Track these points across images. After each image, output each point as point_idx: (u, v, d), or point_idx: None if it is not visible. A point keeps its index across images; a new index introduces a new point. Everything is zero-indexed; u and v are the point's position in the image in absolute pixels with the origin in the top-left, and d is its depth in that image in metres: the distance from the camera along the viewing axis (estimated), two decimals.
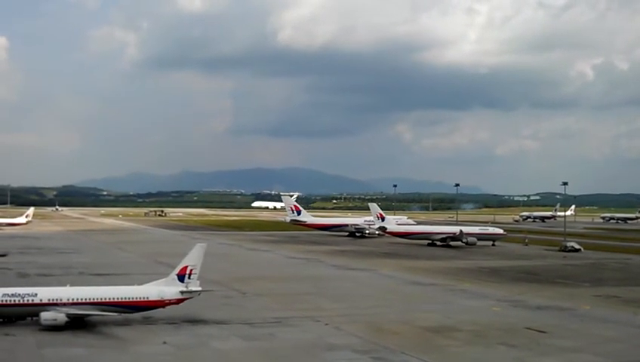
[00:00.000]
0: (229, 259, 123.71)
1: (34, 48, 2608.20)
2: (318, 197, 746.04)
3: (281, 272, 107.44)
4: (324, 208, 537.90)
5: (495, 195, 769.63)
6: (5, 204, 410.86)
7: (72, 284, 66.70)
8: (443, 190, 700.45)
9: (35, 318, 56.58)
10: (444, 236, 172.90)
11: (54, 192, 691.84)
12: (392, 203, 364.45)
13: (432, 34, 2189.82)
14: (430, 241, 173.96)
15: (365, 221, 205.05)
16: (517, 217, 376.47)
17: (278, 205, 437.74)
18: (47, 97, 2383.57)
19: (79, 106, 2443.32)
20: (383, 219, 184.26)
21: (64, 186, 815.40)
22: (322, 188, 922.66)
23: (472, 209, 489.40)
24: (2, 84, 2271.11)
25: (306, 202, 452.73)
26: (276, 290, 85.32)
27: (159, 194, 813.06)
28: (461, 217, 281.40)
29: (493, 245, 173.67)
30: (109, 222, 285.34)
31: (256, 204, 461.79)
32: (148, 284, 64.21)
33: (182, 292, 62.56)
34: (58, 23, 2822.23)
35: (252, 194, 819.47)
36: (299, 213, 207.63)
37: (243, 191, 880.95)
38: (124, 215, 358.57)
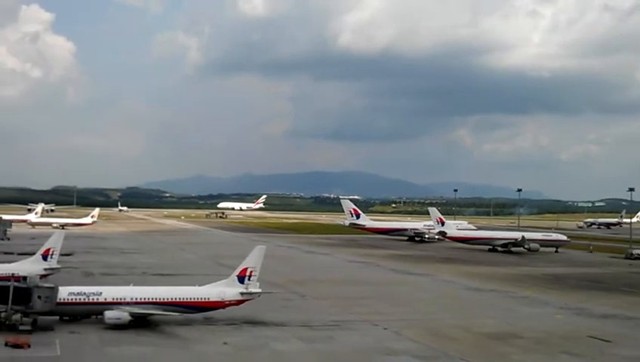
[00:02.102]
0: (289, 262, 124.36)
1: (100, 53, 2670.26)
2: (377, 201, 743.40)
3: (339, 275, 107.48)
4: (383, 212, 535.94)
5: (558, 201, 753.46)
6: (72, 204, 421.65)
7: (135, 284, 68.01)
8: (504, 195, 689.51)
9: (99, 317, 57.83)
10: (505, 242, 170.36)
11: (119, 193, 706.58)
12: (452, 207, 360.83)
13: (493, 37, 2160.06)
14: (491, 247, 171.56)
15: (425, 225, 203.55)
16: (581, 223, 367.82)
17: (244, 205, 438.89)
18: (112, 101, 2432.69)
19: (143, 110, 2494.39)
20: (442, 224, 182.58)
21: (128, 188, 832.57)
22: (381, 192, 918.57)
23: (532, 214, 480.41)
24: (70, 87, 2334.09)
25: (364, 206, 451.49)
26: (335, 293, 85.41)
27: (220, 196, 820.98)
28: (523, 223, 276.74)
29: (556, 252, 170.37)
30: (172, 223, 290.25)
31: (222, 204, 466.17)
32: (209, 285, 65.04)
33: (242, 294, 63.20)
34: (123, 28, 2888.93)
35: (311, 198, 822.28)
36: (358, 216, 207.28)
37: (302, 194, 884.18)
38: (186, 216, 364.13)
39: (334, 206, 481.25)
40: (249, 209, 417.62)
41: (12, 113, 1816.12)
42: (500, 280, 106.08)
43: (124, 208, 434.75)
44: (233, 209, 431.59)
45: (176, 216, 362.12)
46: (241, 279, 63.76)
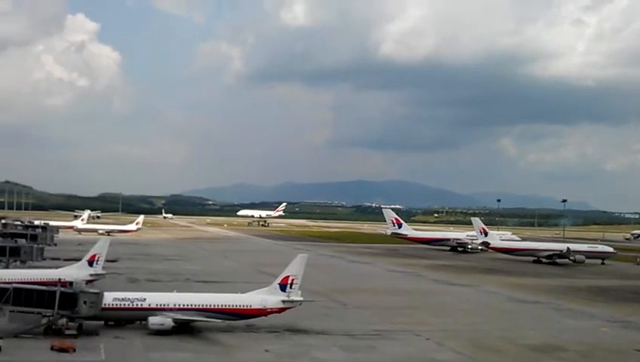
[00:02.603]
0: (330, 271, 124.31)
1: (144, 62, 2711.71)
2: (419, 211, 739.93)
3: (381, 285, 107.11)
4: (425, 222, 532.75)
5: (604, 212, 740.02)
6: (117, 211, 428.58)
7: (179, 290, 68.71)
8: (549, 206, 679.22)
9: (143, 322, 58.53)
10: (550, 253, 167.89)
11: (162, 201, 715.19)
12: (495, 218, 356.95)
13: (537, 45, 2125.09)
14: (535, 258, 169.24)
15: (468, 235, 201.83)
16: (628, 235, 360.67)
17: (263, 213, 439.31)
18: (156, 110, 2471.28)
19: (186, 118, 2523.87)
20: (486, 234, 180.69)
21: (172, 195, 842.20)
22: (424, 202, 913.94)
23: (577, 225, 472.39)
24: (115, 97, 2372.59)
25: (406, 215, 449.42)
26: (377, 303, 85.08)
27: (262, 204, 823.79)
28: (568, 234, 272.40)
29: (602, 264, 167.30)
30: (215, 230, 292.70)
31: (241, 212, 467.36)
32: (251, 293, 65.35)
33: (283, 302, 63.35)
34: (167, 37, 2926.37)
35: (353, 207, 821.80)
36: (400, 226, 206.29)
37: (344, 203, 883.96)
38: (228, 224, 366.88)
39: (376, 215, 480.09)
40: (269, 216, 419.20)
41: (59, 122, 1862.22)
42: (545, 292, 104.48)
43: (169, 215, 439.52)
44: (253, 216, 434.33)
45: (219, 224, 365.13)
46: (282, 287, 63.96)
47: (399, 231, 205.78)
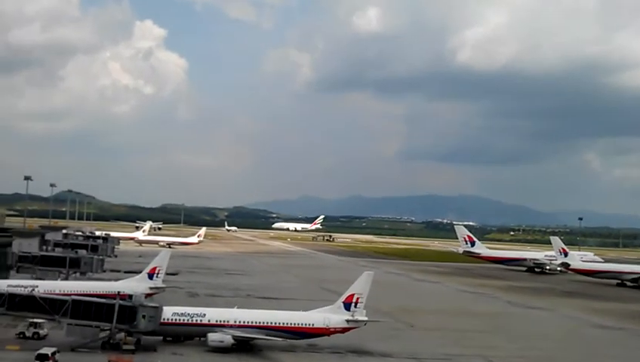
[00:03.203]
0: (397, 289, 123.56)
1: (211, 69, 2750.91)
2: (494, 228, 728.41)
3: (451, 306, 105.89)
4: (500, 240, 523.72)
5: None
6: (179, 223, 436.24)
7: (240, 306, 69.33)
8: (635, 225, 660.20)
9: (202, 339, 59.27)
10: (636, 276, 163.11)
11: (225, 213, 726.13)
12: (576, 237, 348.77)
13: (625, 54, 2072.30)
14: (619, 281, 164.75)
15: (546, 256, 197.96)
16: None
17: (299, 226, 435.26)
18: (221, 118, 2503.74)
19: (252, 127, 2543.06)
20: (565, 255, 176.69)
21: (235, 207, 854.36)
22: (499, 219, 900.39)
23: None
24: (181, 104, 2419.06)
25: (480, 233, 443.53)
26: (446, 325, 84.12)
27: (328, 218, 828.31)
28: None
29: None
30: (278, 245, 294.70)
31: (277, 225, 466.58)
32: (314, 311, 65.43)
33: (347, 321, 63.24)
34: (235, 44, 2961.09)
35: (423, 222, 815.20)
36: (472, 244, 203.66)
37: (413, 218, 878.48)
38: (292, 238, 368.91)
39: (447, 232, 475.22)
40: (304, 230, 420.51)
41: (124, 130, 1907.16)
42: (629, 318, 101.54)
43: (233, 228, 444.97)
44: (288, 229, 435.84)
45: (283, 238, 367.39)
46: (347, 306, 63.88)
47: (472, 249, 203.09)
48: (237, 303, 77.11)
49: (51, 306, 56.16)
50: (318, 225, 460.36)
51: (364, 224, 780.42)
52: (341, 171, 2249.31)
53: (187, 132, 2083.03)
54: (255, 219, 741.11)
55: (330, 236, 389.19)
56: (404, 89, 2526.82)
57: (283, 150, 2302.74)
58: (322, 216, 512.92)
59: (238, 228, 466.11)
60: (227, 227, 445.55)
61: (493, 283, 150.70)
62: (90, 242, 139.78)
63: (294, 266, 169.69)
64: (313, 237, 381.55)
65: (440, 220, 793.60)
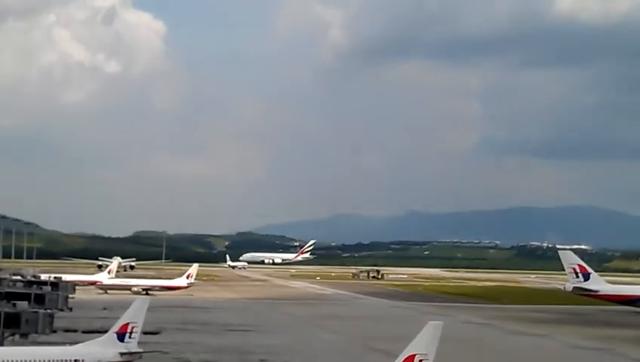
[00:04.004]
0: (481, 348, 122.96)
1: (199, 35, 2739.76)
2: (616, 253, 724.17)
3: None
4: (626, 270, 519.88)
5: None
6: (159, 259, 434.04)
7: None
8: None
9: None
10: None
11: (226, 243, 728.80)
12: None
13: None
14: None
15: None
16: None
17: (279, 257, 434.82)
18: (216, 105, 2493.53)
19: (260, 117, 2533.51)
20: None
21: (239, 234, 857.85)
22: (625, 239, 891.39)
23: None
24: (160, 87, 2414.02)
25: (597, 261, 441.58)
26: None
27: (373, 245, 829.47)
28: None
29: None
30: (302, 285, 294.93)
31: (246, 256, 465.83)
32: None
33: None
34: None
35: (512, 248, 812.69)
36: (587, 277, 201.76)
37: (498, 242, 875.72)
38: (322, 276, 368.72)
39: (548, 261, 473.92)
40: (286, 262, 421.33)
41: (77, 126, 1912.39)
42: None
43: (239, 263, 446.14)
44: (263, 262, 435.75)
45: (309, 276, 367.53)
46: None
47: (585, 284, 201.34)
48: None
49: None
50: (307, 255, 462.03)
51: (426, 253, 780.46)
52: (390, 177, 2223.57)
53: (168, 127, 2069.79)
54: (269, 249, 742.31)
55: (378, 271, 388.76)
56: (478, 53, 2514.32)
57: (305, 149, 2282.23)
58: (313, 241, 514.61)
59: (245, 262, 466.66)
60: (230, 262, 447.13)
61: (621, 334, 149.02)
62: (34, 290, 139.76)
63: (329, 317, 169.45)
64: (354, 274, 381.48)
65: (537, 244, 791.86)
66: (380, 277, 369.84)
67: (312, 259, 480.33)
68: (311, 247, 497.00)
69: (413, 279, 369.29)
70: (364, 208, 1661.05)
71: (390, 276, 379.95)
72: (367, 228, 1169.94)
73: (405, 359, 63.69)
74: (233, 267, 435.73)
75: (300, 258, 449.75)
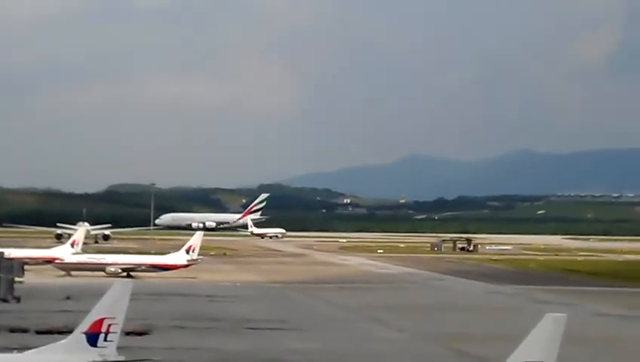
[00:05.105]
0: (621, 354, 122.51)
1: None
2: None
3: None
4: None
5: None
6: (147, 226, 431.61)
7: None
8: None
9: None
10: None
11: (243, 200, 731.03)
12: None
13: None
14: None
15: None
16: None
17: (214, 220, 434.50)
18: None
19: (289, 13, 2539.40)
20: None
21: (262, 186, 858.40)
22: None
23: None
24: None
25: None
26: None
27: (461, 202, 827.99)
28: None
29: None
30: (356, 262, 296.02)
31: (164, 217, 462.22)
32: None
33: None
34: None
35: None
36: None
37: None
38: (387, 248, 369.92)
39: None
40: (224, 225, 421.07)
41: (30, 34, 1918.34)
42: None
43: (272, 231, 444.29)
44: (190, 227, 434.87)
45: (367, 248, 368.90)
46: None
47: None
48: None
49: None
50: (257, 215, 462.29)
51: (540, 212, 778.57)
52: (485, 105, 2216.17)
53: (156, 28, 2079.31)
54: (305, 208, 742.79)
55: (469, 241, 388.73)
56: None
57: (359, 62, 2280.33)
58: (264, 195, 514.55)
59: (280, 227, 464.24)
60: (253, 228, 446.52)
61: None
62: None
63: (392, 308, 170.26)
64: (433, 245, 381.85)
65: None
66: (471, 248, 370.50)
67: (264, 220, 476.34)
68: (262, 204, 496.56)
69: (520, 251, 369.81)
70: (447, 149, 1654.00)
71: (486, 247, 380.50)
72: (452, 178, 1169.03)
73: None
74: (259, 235, 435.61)
75: (245, 220, 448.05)
